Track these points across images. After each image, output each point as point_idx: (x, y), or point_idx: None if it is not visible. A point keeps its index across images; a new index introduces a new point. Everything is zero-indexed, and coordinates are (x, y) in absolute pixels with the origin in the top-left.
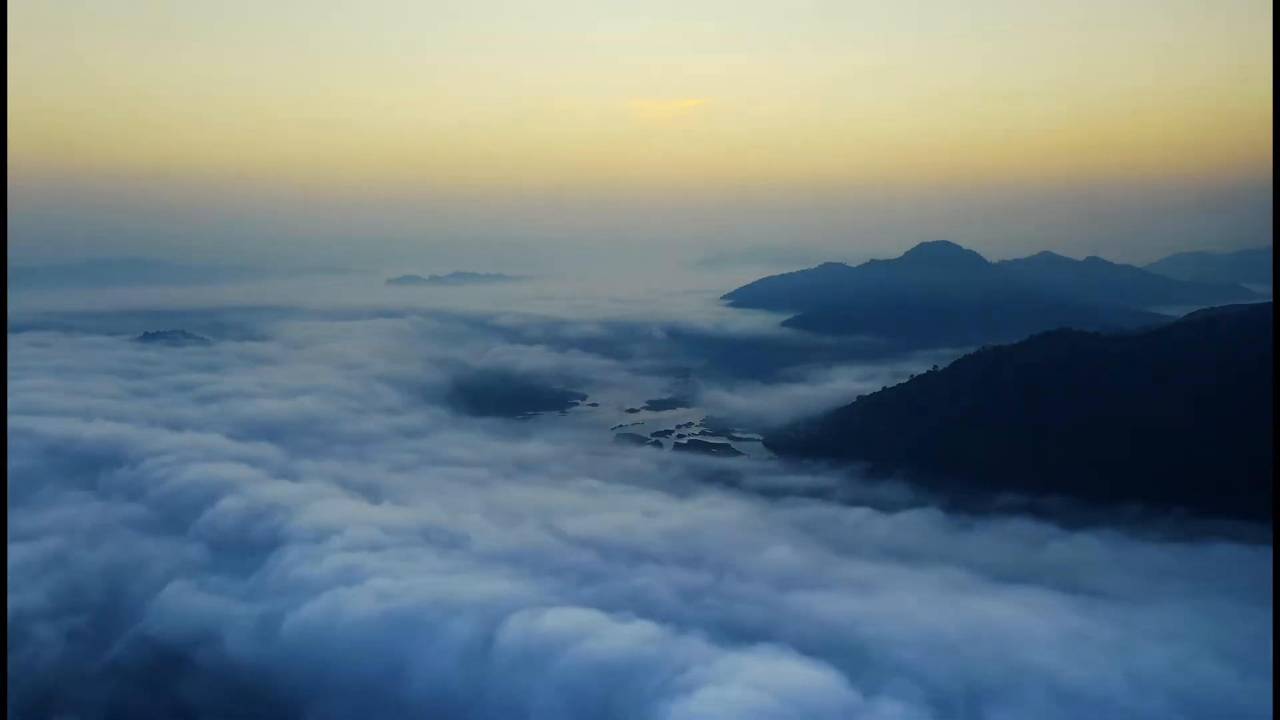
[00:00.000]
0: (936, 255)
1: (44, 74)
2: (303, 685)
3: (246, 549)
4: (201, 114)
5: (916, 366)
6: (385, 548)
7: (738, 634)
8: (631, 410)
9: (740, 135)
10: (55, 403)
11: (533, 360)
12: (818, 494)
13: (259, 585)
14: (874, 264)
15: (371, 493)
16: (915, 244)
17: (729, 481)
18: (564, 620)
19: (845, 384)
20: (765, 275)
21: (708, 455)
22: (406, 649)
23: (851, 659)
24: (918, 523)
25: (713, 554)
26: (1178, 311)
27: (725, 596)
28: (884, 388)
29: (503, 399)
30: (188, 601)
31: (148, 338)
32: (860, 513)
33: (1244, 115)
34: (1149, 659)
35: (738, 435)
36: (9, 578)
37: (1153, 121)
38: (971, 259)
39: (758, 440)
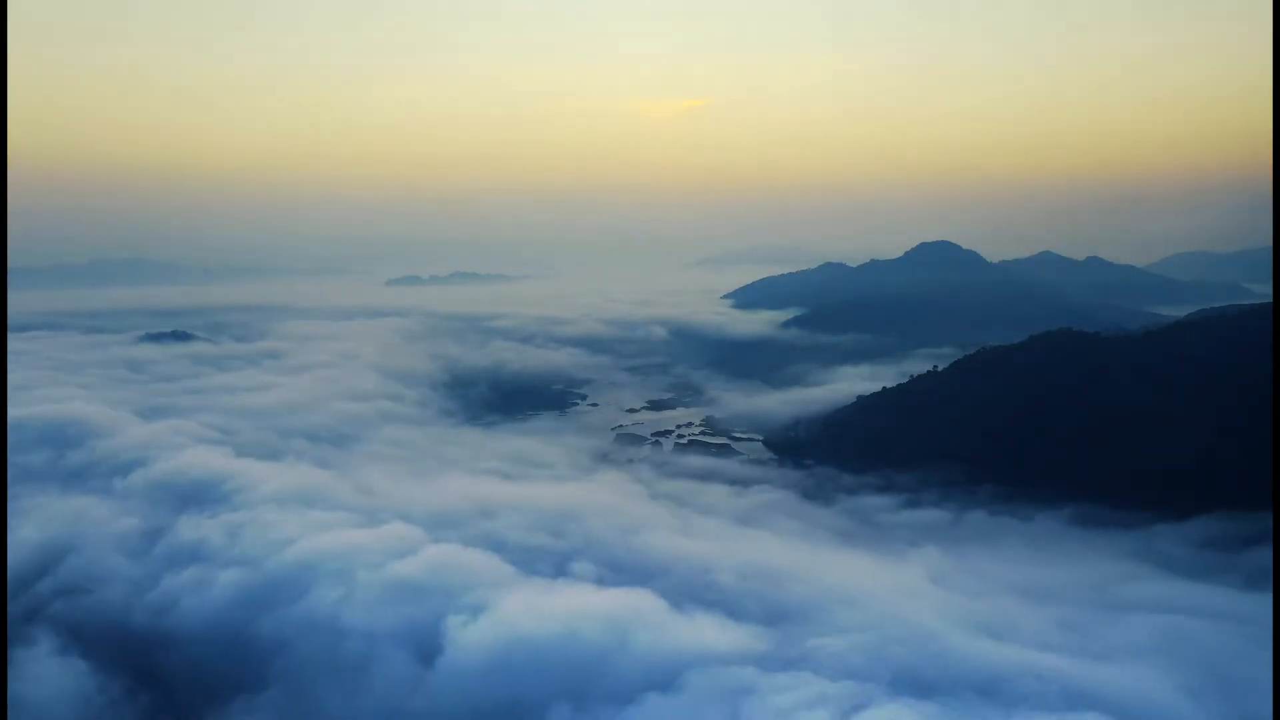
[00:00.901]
0: (936, 255)
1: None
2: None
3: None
4: (202, 114)
5: (916, 366)
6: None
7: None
8: (631, 410)
9: (740, 135)
10: (46, 395)
11: (532, 360)
12: (815, 493)
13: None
14: (874, 264)
15: (363, 492)
16: (915, 244)
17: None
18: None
19: (845, 384)
20: (765, 275)
21: (706, 455)
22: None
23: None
24: (916, 522)
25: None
26: (1178, 311)
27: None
28: (884, 388)
29: (502, 399)
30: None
31: (148, 337)
32: (856, 511)
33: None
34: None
35: (737, 435)
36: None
37: (1153, 121)
38: (971, 259)
39: (758, 440)
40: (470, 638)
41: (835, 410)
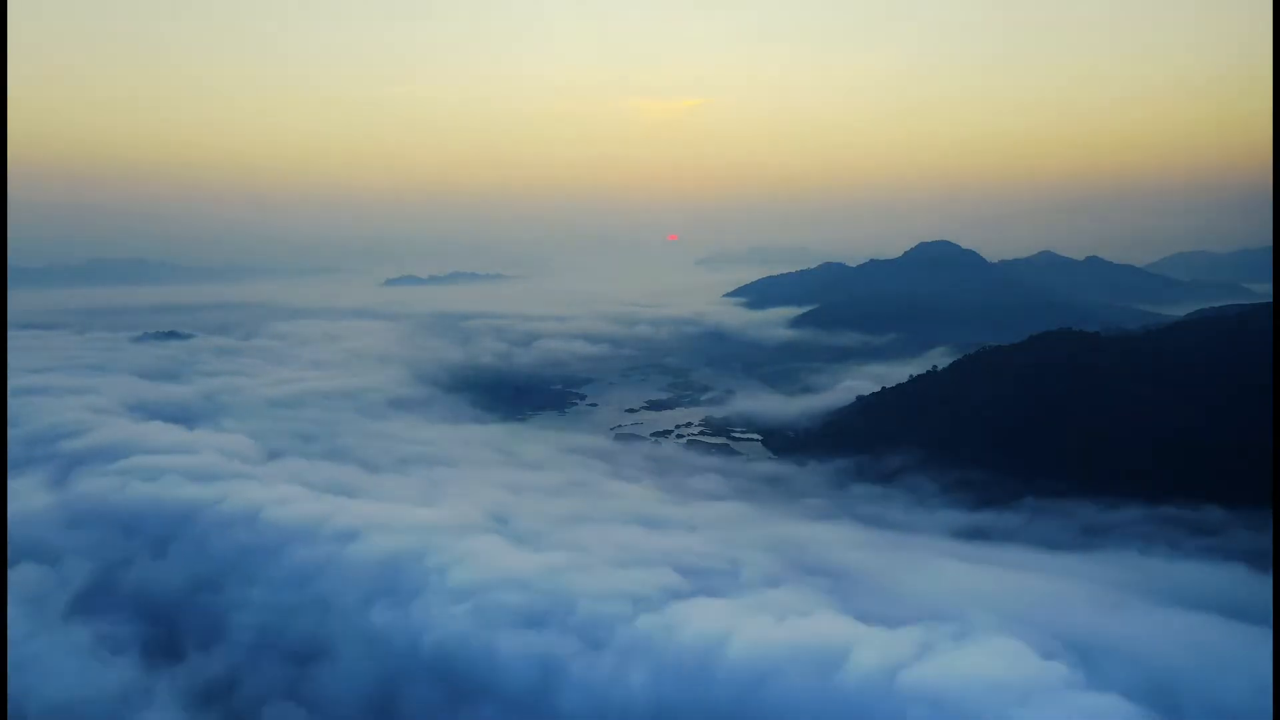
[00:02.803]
0: (936, 255)
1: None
2: None
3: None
4: (202, 114)
5: (916, 366)
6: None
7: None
8: (631, 410)
9: (741, 135)
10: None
11: (531, 360)
12: (815, 493)
13: None
14: (874, 264)
15: (354, 490)
16: (915, 244)
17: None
18: None
19: (845, 384)
20: (765, 275)
21: (706, 454)
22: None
23: None
24: (916, 522)
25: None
26: (1178, 311)
27: None
28: (884, 388)
29: (501, 399)
30: None
31: (147, 337)
32: (855, 512)
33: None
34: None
35: (736, 435)
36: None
37: (1153, 121)
38: (971, 259)
39: (757, 440)
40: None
41: (835, 410)
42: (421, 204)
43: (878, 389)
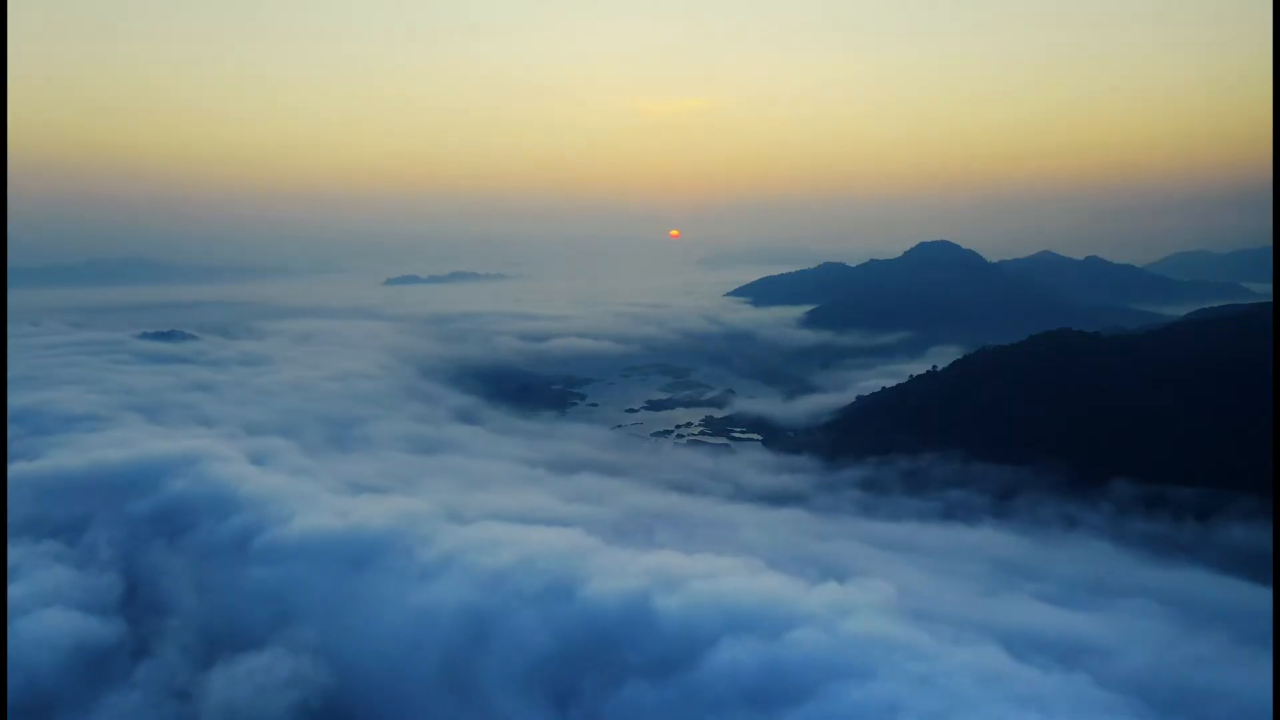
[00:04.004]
0: (936, 255)
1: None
2: None
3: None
4: (202, 114)
5: (916, 366)
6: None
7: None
8: (631, 410)
9: (741, 135)
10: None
11: (531, 360)
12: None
13: None
14: (874, 264)
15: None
16: (915, 244)
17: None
18: None
19: (845, 384)
20: (765, 275)
21: (706, 454)
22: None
23: None
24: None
25: None
26: (1178, 311)
27: None
28: (884, 387)
29: (501, 399)
30: None
31: (146, 336)
32: (855, 511)
33: (1244, 115)
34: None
35: (736, 435)
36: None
37: (1153, 121)
38: (971, 259)
39: (757, 440)
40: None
41: (835, 410)
42: (421, 204)
43: (878, 389)
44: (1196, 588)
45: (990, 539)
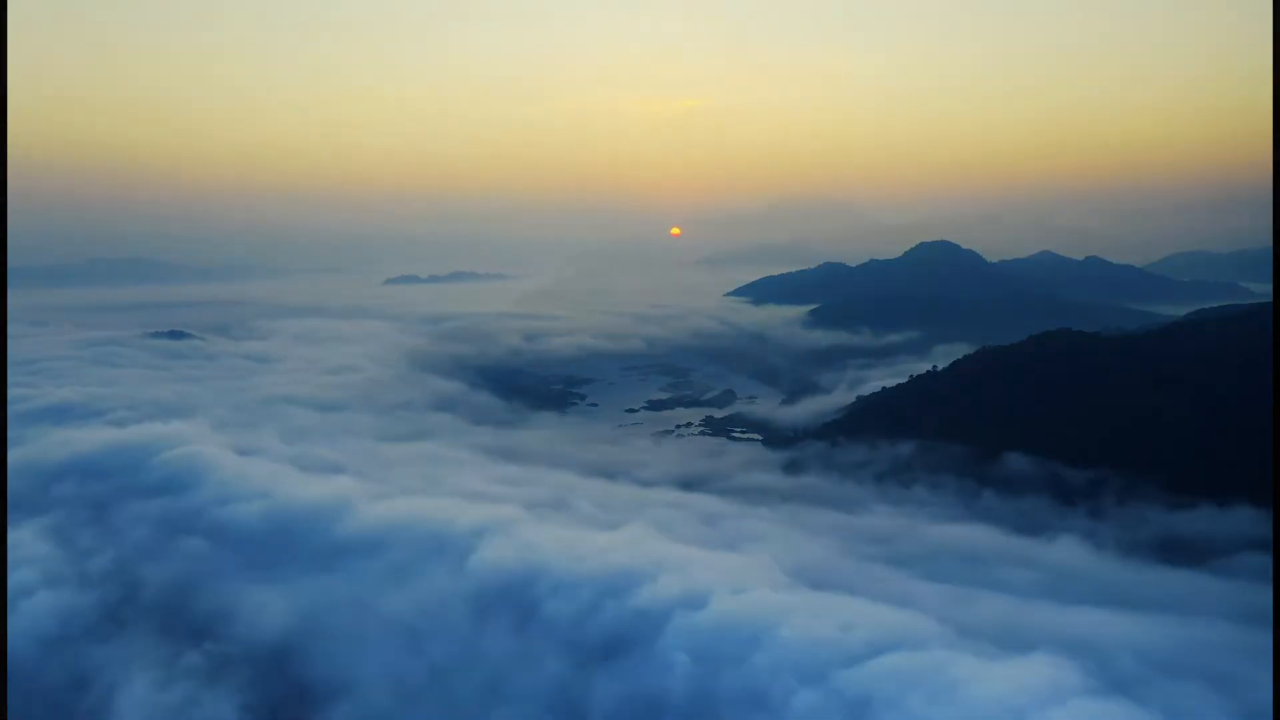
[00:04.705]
0: (936, 255)
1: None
2: None
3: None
4: (202, 114)
5: (916, 366)
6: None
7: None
8: (631, 410)
9: (740, 135)
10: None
11: (531, 360)
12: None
13: None
14: (874, 264)
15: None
16: (915, 244)
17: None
18: None
19: (845, 383)
20: (765, 275)
21: (706, 454)
22: None
23: None
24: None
25: None
26: (1178, 311)
27: None
28: (884, 387)
29: (501, 398)
30: None
31: (148, 335)
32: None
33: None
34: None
35: (736, 435)
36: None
37: (1153, 121)
38: (971, 259)
39: (757, 440)
40: None
41: (835, 410)
42: (421, 204)
43: (878, 389)
44: (1196, 588)
45: (990, 537)
